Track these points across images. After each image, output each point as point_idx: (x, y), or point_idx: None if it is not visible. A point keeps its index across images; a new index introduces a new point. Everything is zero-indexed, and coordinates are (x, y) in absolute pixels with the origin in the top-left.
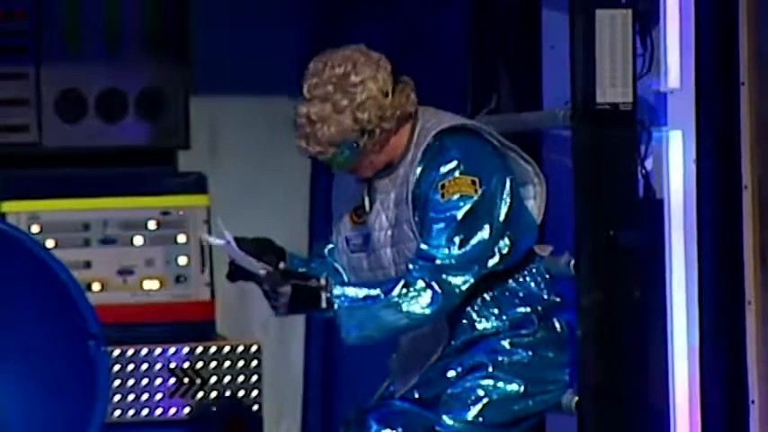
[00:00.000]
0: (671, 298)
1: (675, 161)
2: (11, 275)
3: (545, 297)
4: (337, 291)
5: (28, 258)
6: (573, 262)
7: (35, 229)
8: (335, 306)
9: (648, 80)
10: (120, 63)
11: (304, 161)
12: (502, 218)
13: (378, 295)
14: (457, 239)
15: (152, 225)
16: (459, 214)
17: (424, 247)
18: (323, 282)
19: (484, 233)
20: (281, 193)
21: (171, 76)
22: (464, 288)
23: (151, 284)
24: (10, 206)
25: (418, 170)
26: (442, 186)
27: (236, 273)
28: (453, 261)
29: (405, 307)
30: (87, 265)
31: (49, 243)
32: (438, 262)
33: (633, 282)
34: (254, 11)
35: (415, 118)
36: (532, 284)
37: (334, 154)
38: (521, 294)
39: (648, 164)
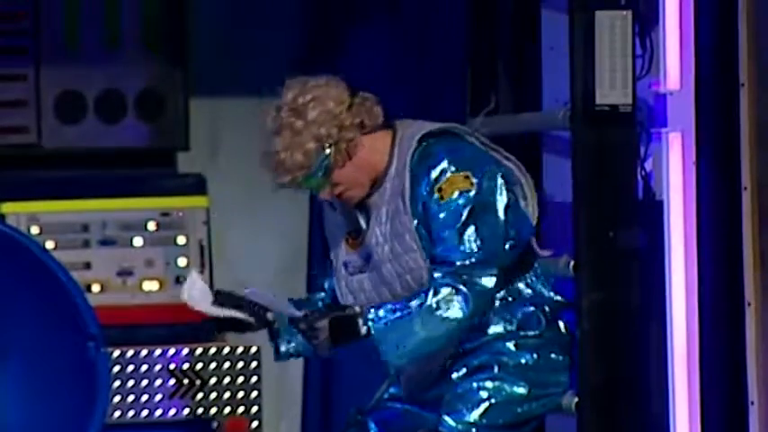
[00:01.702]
0: (670, 299)
1: (675, 162)
2: (10, 277)
3: (552, 297)
4: (371, 314)
5: (27, 260)
6: (572, 263)
7: (35, 230)
8: (371, 329)
9: (648, 81)
10: (119, 64)
11: None
12: (502, 211)
13: (410, 310)
14: (469, 237)
15: (152, 226)
16: (464, 212)
17: (440, 253)
18: (357, 309)
19: (492, 225)
20: (280, 195)
21: (170, 78)
22: (491, 285)
23: (151, 285)
24: (9, 207)
25: (408, 177)
26: (439, 189)
27: (223, 325)
28: (474, 260)
29: (439, 315)
30: (87, 266)
31: (49, 244)
32: (459, 263)
33: (633, 283)
34: (252, 12)
35: (393, 131)
36: (539, 285)
37: (307, 176)
38: (528, 295)
39: (648, 165)
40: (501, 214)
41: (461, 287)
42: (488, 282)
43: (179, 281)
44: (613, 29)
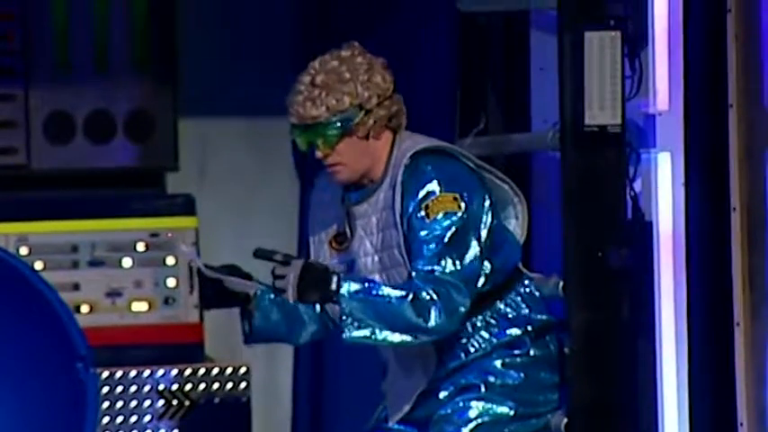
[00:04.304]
0: (660, 319)
1: (664, 183)
2: None
3: (535, 317)
4: (347, 282)
5: (16, 281)
6: (561, 284)
7: (24, 251)
8: (341, 290)
9: (637, 102)
10: (108, 85)
11: (293, 184)
12: (485, 235)
13: (386, 298)
14: (449, 259)
15: (141, 247)
16: (448, 233)
17: (421, 267)
18: (338, 269)
19: (474, 250)
20: (269, 215)
21: (159, 98)
22: (463, 309)
23: (140, 306)
24: None
25: (399, 192)
26: (426, 207)
27: (212, 299)
28: (452, 279)
29: (410, 317)
30: (76, 287)
31: (38, 265)
32: (438, 275)
33: (622, 303)
34: (242, 33)
35: (395, 139)
36: (522, 305)
37: (327, 122)
38: (510, 316)
39: (637, 186)
40: (484, 239)
41: (438, 300)
42: (463, 304)
43: (168, 302)
44: (602, 49)
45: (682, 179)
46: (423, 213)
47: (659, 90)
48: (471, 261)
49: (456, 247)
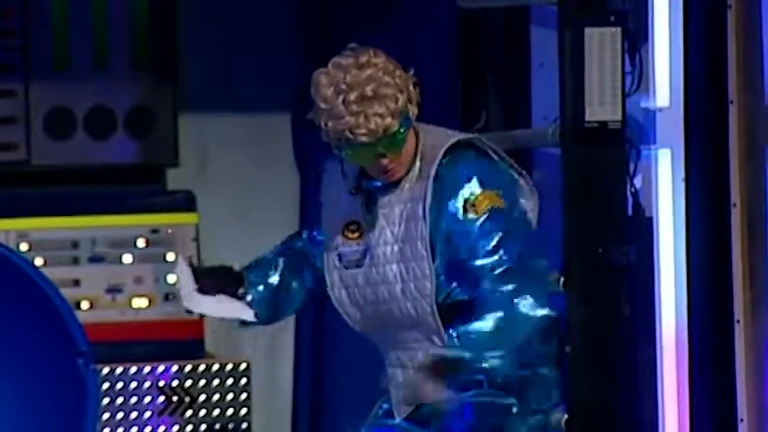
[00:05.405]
0: (660, 315)
1: (664, 179)
2: None
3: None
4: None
5: (16, 276)
6: (562, 279)
7: (24, 247)
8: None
9: (637, 98)
10: (108, 81)
11: (293, 180)
12: (533, 225)
13: (496, 324)
14: (510, 246)
15: (141, 243)
16: (504, 226)
17: (486, 267)
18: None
19: (529, 237)
20: (269, 212)
21: (160, 94)
22: (543, 283)
23: (140, 302)
24: None
25: (431, 186)
26: (472, 206)
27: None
28: (519, 263)
29: (523, 314)
30: (76, 283)
31: (38, 261)
32: (507, 267)
33: (622, 299)
34: (243, 29)
35: (416, 133)
36: None
37: (393, 128)
38: None
39: (637, 182)
40: (533, 227)
41: (522, 292)
42: (544, 277)
43: (168, 298)
44: (603, 45)
45: (682, 175)
46: (470, 213)
47: (659, 86)
48: (530, 245)
49: (513, 235)
